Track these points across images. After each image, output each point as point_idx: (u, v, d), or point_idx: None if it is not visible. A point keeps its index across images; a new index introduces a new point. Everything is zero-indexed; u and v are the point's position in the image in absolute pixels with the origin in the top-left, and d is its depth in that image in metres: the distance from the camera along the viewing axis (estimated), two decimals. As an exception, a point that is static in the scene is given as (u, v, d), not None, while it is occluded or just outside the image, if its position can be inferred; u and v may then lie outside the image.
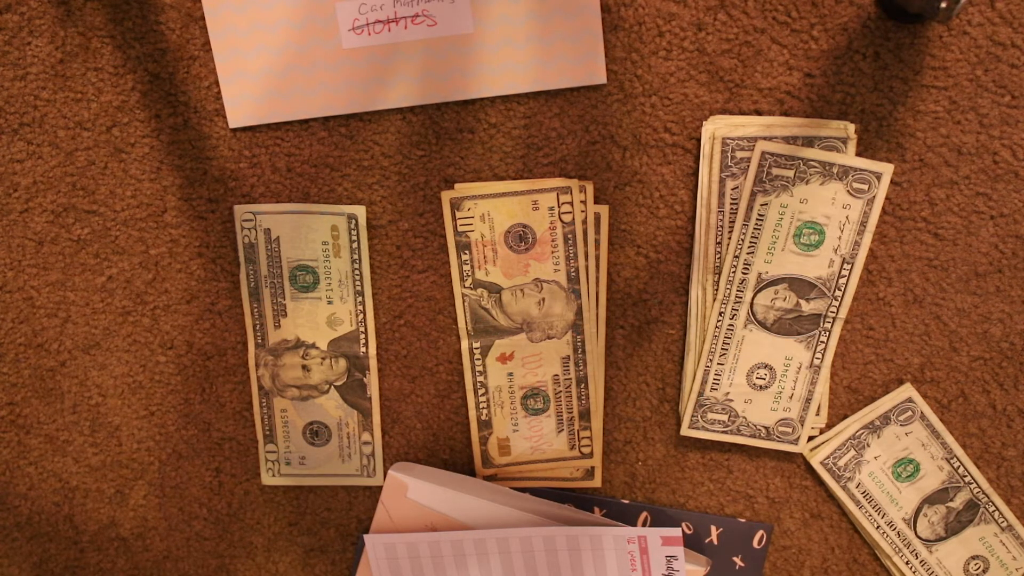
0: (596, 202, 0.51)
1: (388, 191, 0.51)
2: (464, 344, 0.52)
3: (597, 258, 0.51)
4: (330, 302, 0.52)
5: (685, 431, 0.53)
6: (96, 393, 0.54)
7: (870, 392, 0.52)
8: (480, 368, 0.52)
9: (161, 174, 0.51)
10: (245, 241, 0.52)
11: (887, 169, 0.48)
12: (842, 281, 0.50)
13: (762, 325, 0.51)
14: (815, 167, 0.48)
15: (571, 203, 0.50)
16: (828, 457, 0.52)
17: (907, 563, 0.54)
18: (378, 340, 0.53)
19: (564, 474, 0.54)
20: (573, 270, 0.51)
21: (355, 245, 0.51)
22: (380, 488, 0.55)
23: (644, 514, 0.54)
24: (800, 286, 0.50)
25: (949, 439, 0.52)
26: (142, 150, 0.51)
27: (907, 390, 0.52)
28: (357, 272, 0.52)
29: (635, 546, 0.48)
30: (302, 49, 0.49)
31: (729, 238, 0.50)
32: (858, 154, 0.49)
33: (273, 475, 0.55)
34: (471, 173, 0.51)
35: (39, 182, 0.51)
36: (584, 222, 0.50)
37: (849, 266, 0.50)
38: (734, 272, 0.50)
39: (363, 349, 0.53)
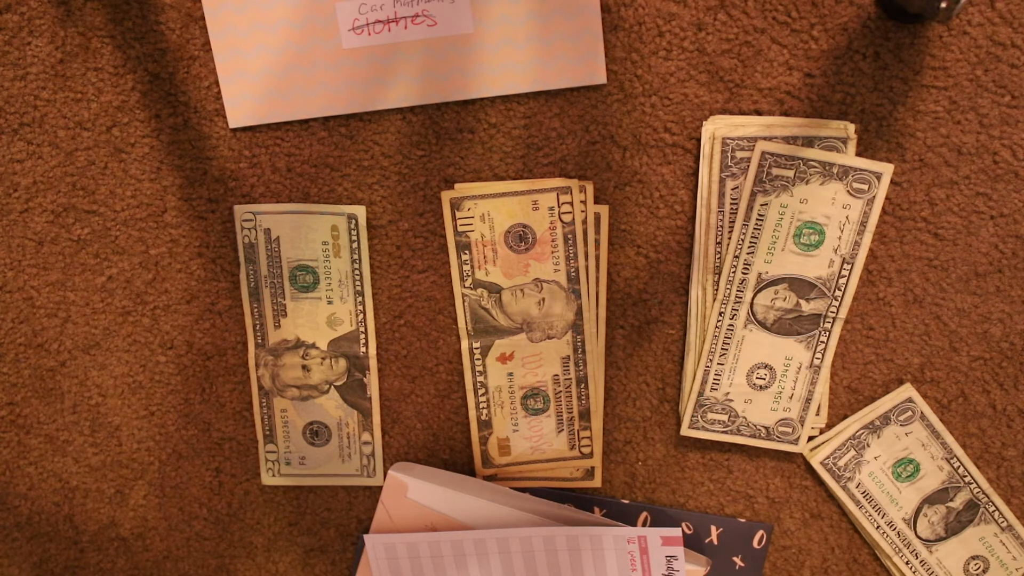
0: (596, 202, 0.51)
1: (388, 191, 0.51)
2: (464, 344, 0.52)
3: (597, 258, 0.51)
4: (330, 302, 0.52)
5: (685, 431, 0.53)
6: (96, 393, 0.54)
7: (870, 392, 0.52)
8: (480, 368, 0.52)
9: (161, 174, 0.51)
10: (245, 241, 0.52)
11: (887, 169, 0.48)
12: (842, 281, 0.50)
13: (762, 325, 0.51)
14: (815, 167, 0.48)
15: (571, 203, 0.50)
16: (828, 457, 0.52)
17: (907, 563, 0.54)
18: (378, 340, 0.53)
19: (564, 474, 0.54)
20: (573, 270, 0.51)
21: (355, 245, 0.51)
22: (380, 488, 0.55)
23: (644, 514, 0.54)
24: (800, 286, 0.50)
25: (949, 439, 0.52)
26: (142, 150, 0.51)
27: (907, 390, 0.52)
28: (357, 272, 0.52)
29: (635, 546, 0.48)
30: (302, 49, 0.49)
31: (729, 238, 0.50)
32: (858, 154, 0.49)
33: (273, 475, 0.55)
34: (471, 173, 0.51)
35: (39, 182, 0.51)
36: (584, 222, 0.50)
37: (849, 266, 0.50)
38: (734, 272, 0.50)
39: (363, 349, 0.53)
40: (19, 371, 0.54)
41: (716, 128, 0.49)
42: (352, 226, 0.51)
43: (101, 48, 0.49)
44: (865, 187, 0.49)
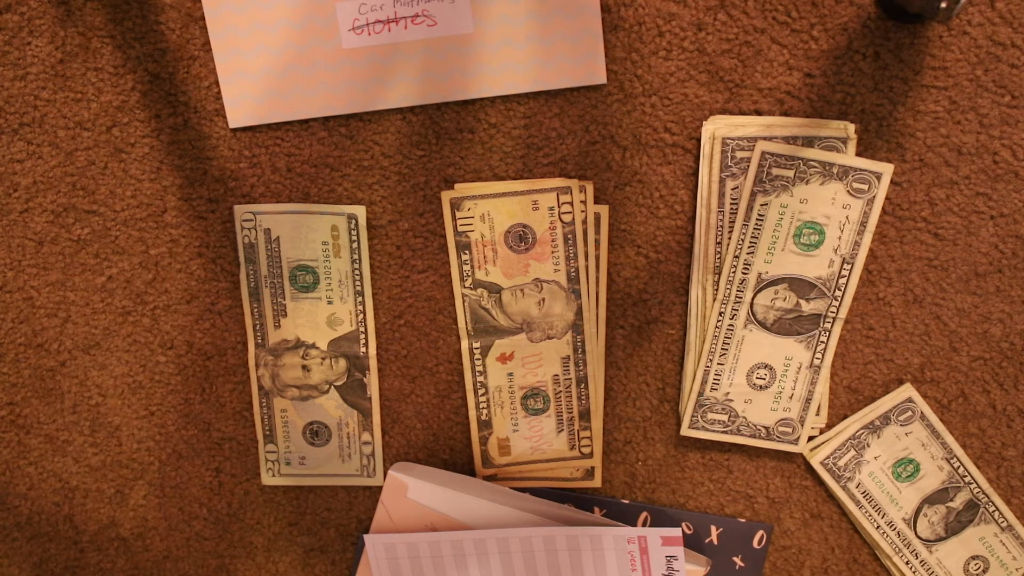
0: (596, 202, 0.51)
1: (388, 191, 0.51)
2: (464, 344, 0.52)
3: (597, 258, 0.51)
4: (330, 302, 0.52)
5: (685, 431, 0.53)
6: (96, 393, 0.54)
7: (870, 392, 0.52)
8: (480, 368, 0.52)
9: (161, 174, 0.51)
10: (245, 241, 0.52)
11: (887, 169, 0.48)
12: (842, 281, 0.50)
13: (762, 325, 0.51)
14: (815, 167, 0.48)
15: (571, 203, 0.50)
16: (828, 457, 0.52)
17: (907, 563, 0.54)
18: (378, 340, 0.53)
19: (564, 474, 0.54)
20: (573, 270, 0.51)
21: (355, 245, 0.51)
22: (380, 488, 0.55)
23: (644, 514, 0.54)
24: (800, 286, 0.50)
25: (949, 439, 0.52)
26: (142, 150, 0.51)
27: (907, 390, 0.52)
28: (357, 272, 0.52)
29: (635, 546, 0.48)
30: (302, 49, 0.49)
31: (729, 238, 0.50)
32: (858, 154, 0.49)
33: (273, 475, 0.55)
34: (471, 173, 0.51)
35: (39, 182, 0.51)
36: (584, 222, 0.50)
37: (849, 266, 0.50)
38: (734, 272, 0.50)
39: (363, 349, 0.53)
40: (19, 371, 0.54)
41: (716, 128, 0.49)
42: (352, 226, 0.51)
43: (101, 48, 0.49)
44: (865, 187, 0.49)
